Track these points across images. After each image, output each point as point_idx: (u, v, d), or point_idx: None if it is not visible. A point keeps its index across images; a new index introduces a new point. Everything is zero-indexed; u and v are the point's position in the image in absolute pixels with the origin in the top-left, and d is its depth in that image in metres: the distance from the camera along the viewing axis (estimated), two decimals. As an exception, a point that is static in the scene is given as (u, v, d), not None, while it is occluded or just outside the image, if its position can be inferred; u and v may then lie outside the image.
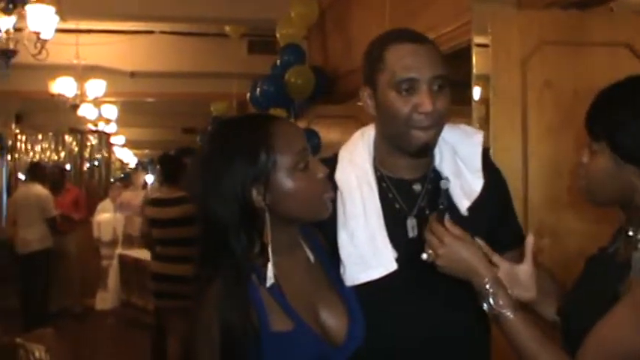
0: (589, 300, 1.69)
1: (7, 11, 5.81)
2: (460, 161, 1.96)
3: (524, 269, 1.85)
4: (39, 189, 8.74)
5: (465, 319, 1.90)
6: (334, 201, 1.85)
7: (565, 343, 1.72)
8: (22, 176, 12.43)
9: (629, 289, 1.56)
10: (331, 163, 1.94)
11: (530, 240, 1.87)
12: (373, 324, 1.80)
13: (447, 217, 1.77)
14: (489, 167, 2.01)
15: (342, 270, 1.86)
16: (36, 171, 9.16)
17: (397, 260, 1.85)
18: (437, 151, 1.96)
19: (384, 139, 1.96)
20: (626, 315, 1.54)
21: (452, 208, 1.88)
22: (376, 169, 1.95)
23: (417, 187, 1.94)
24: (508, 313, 1.67)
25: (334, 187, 1.87)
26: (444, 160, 1.96)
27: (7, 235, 9.75)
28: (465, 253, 1.72)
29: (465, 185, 1.93)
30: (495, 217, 2.00)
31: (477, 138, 1.99)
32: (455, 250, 1.72)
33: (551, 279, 2.01)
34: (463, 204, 1.91)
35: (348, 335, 1.76)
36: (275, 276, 1.67)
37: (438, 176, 1.94)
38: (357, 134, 2.04)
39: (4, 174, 12.98)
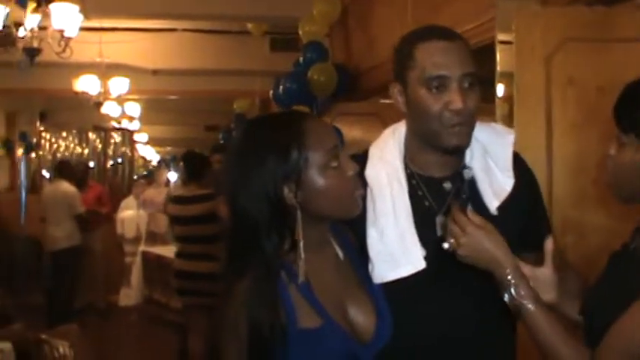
0: (611, 297, 1.67)
1: (21, 3, 5.83)
2: (491, 160, 1.95)
3: (544, 272, 1.83)
4: (66, 186, 8.83)
5: (492, 318, 1.89)
6: (364, 198, 1.84)
7: (587, 341, 1.70)
8: (46, 173, 12.51)
9: None
10: (362, 159, 1.93)
11: (549, 243, 1.85)
12: (400, 321, 1.80)
13: (469, 206, 1.77)
14: (521, 167, 2.00)
15: (370, 267, 1.86)
16: (63, 169, 9.26)
17: (425, 258, 1.84)
18: (468, 149, 1.95)
19: (415, 136, 1.95)
20: None
21: (481, 207, 1.87)
22: (406, 167, 1.95)
23: (447, 185, 1.93)
24: (529, 305, 1.67)
25: (364, 184, 1.87)
26: (474, 158, 1.95)
27: (30, 232, 9.86)
28: (486, 242, 1.71)
29: (495, 184, 1.93)
30: (526, 218, 1.98)
31: (509, 138, 1.99)
32: (477, 239, 1.71)
33: (578, 278, 1.99)
34: (493, 203, 1.90)
35: (376, 332, 1.75)
36: (304, 273, 1.67)
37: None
38: (388, 131, 2.03)
39: (23, 171, 13.04)
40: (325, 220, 1.77)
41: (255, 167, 1.65)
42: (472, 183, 1.93)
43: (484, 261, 1.73)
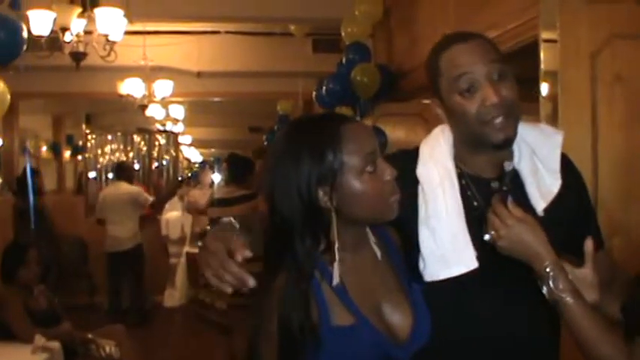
0: None
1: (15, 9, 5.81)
2: (538, 161, 1.95)
3: (585, 272, 1.82)
4: (127, 186, 9.06)
5: (542, 319, 1.89)
6: (415, 196, 1.88)
7: (626, 337, 1.70)
8: (91, 175, 12.68)
9: None
10: (412, 156, 1.96)
11: (589, 244, 1.83)
12: (450, 321, 1.81)
13: (510, 198, 1.77)
14: (569, 169, 2.00)
15: (421, 265, 1.87)
16: (122, 170, 9.46)
17: (477, 258, 1.84)
18: (516, 149, 1.96)
19: (462, 140, 1.95)
20: None
21: (528, 208, 1.86)
22: (456, 166, 1.95)
23: (494, 184, 1.93)
24: (568, 298, 1.67)
25: (415, 181, 1.90)
26: (522, 160, 1.96)
27: (76, 233, 10.00)
28: (526, 235, 1.72)
29: (542, 186, 1.92)
30: (574, 220, 1.98)
31: (557, 138, 1.98)
32: (517, 231, 1.72)
33: (625, 278, 1.97)
34: (539, 205, 1.90)
35: (413, 333, 1.75)
36: (339, 275, 1.67)
37: (516, 175, 1.94)
38: (438, 130, 2.03)
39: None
40: (361, 223, 1.77)
41: (291, 169, 1.67)
42: (520, 184, 1.94)
43: (523, 253, 1.73)
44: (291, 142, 1.73)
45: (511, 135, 1.87)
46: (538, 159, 1.95)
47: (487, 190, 1.92)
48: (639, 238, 3.15)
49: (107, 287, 9.29)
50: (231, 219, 1.69)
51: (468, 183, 1.94)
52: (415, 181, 1.92)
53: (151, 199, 9.26)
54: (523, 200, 1.89)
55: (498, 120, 1.82)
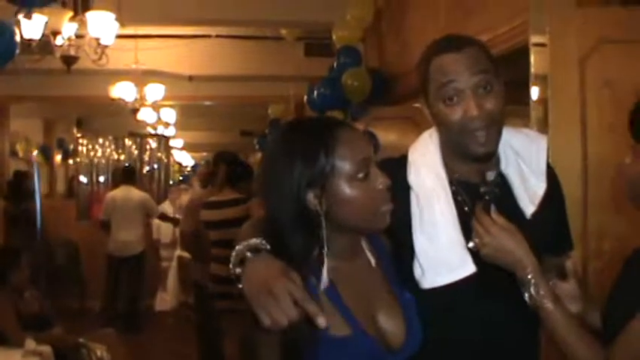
0: (624, 301, 1.70)
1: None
2: (524, 165, 1.97)
3: (568, 287, 1.89)
4: (138, 192, 9.10)
5: (524, 324, 1.91)
6: (407, 203, 1.90)
7: (604, 342, 1.72)
8: (83, 179, 12.67)
9: None
10: (399, 164, 1.98)
11: (569, 263, 1.92)
12: (441, 325, 1.83)
13: (493, 207, 1.80)
14: (549, 172, 2.01)
15: (417, 272, 1.88)
16: (130, 173, 9.47)
17: None
18: (502, 155, 1.98)
19: (447, 145, 1.97)
20: None
21: (517, 212, 1.92)
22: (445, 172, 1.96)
23: (484, 189, 1.94)
24: (548, 304, 1.71)
25: (406, 189, 1.92)
26: (509, 165, 1.98)
27: (67, 236, 9.96)
28: (509, 243, 1.76)
29: (529, 189, 1.95)
30: (556, 224, 2.04)
31: (542, 142, 2.01)
32: (499, 239, 1.76)
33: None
34: (529, 208, 1.94)
35: (406, 340, 1.75)
36: (332, 280, 1.66)
37: (504, 180, 1.96)
38: (425, 136, 2.04)
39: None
40: (353, 231, 1.76)
41: (284, 170, 1.66)
42: (508, 189, 1.96)
43: (506, 260, 1.77)
44: (285, 143, 1.72)
45: (491, 149, 1.89)
46: (524, 163, 1.97)
47: (476, 195, 1.92)
48: (628, 241, 3.16)
49: (105, 290, 9.25)
50: (262, 241, 1.65)
51: (458, 189, 1.95)
52: (406, 189, 1.93)
53: (159, 211, 9.31)
54: (512, 205, 1.93)
55: (479, 133, 1.84)
